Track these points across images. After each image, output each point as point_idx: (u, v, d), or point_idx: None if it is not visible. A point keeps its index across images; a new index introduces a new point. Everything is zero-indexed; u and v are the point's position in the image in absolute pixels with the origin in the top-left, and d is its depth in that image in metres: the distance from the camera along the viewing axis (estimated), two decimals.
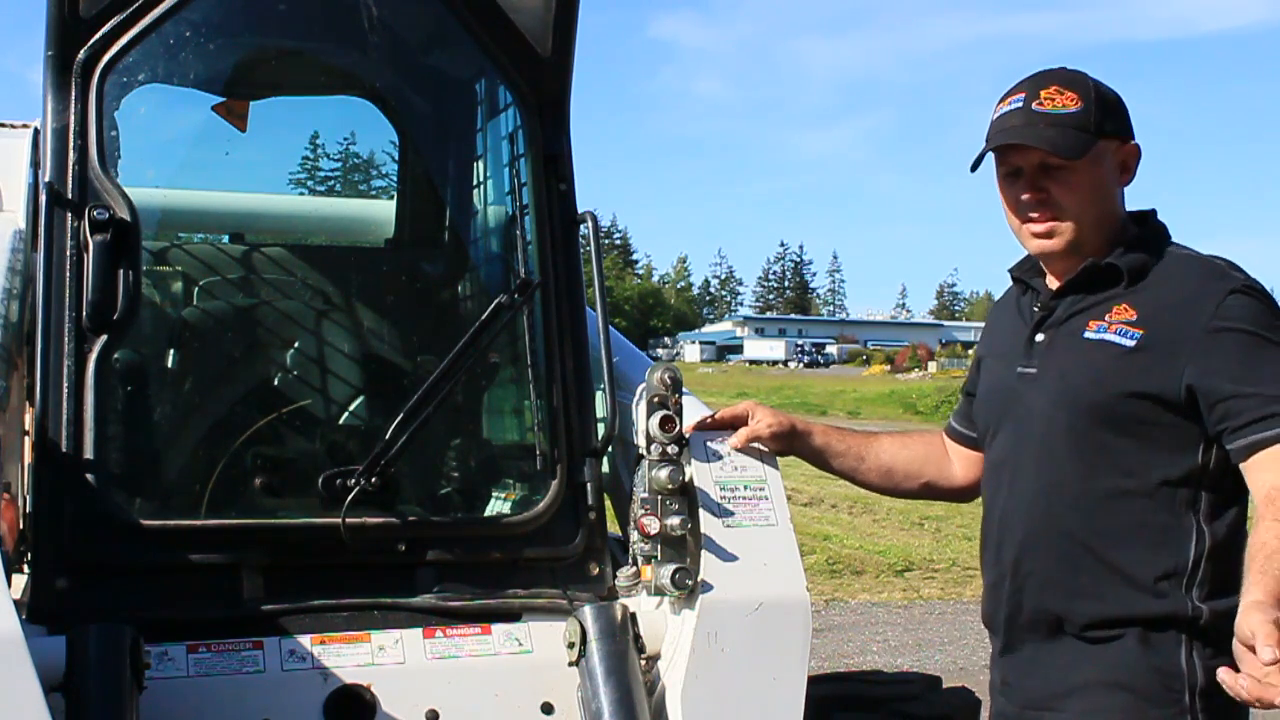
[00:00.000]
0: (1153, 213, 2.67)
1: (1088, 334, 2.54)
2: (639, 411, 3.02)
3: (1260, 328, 2.40)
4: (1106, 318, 2.52)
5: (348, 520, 2.97)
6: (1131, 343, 2.47)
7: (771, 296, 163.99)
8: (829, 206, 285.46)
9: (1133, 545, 2.44)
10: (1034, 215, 2.58)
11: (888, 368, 79.71)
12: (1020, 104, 2.58)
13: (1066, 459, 2.52)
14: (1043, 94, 2.56)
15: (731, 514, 3.00)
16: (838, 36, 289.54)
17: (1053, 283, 2.67)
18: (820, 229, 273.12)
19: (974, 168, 2.63)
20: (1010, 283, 2.87)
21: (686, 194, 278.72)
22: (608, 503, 3.33)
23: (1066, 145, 2.51)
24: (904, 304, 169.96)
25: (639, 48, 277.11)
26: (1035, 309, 2.69)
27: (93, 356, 2.89)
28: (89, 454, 2.85)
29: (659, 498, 2.92)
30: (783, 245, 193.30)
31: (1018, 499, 2.61)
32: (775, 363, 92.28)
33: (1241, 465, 2.37)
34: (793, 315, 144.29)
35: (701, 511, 2.98)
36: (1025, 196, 2.58)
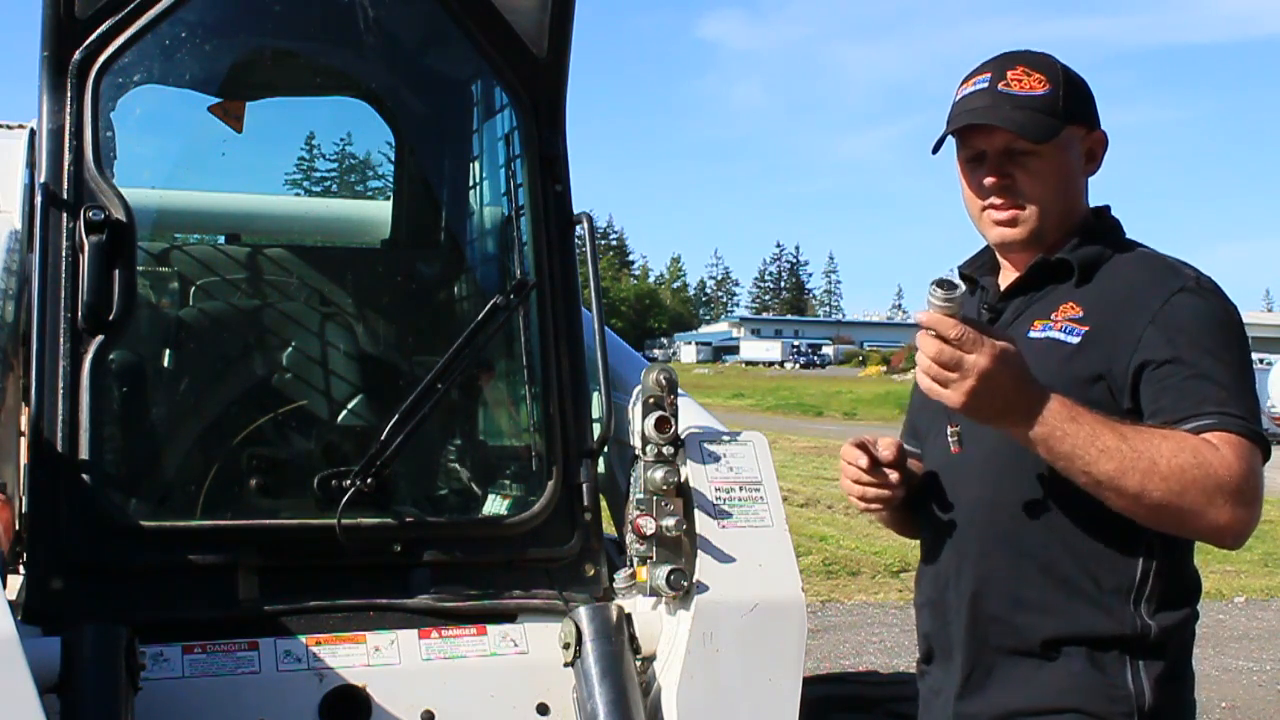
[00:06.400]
0: (1106, 208, 2.52)
1: (1032, 334, 2.37)
2: (634, 412, 3.02)
3: (1200, 332, 2.25)
4: (1052, 316, 2.37)
5: (343, 521, 2.98)
6: (1076, 339, 2.32)
7: (768, 297, 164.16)
8: (843, 210, 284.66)
9: (1081, 557, 2.30)
10: (997, 201, 2.43)
11: (884, 368, 79.65)
12: (985, 84, 2.42)
13: (1012, 468, 2.33)
14: (1009, 75, 2.41)
15: (727, 515, 3.00)
16: (879, 41, 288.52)
17: (1004, 280, 2.53)
18: (827, 231, 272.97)
19: (935, 149, 2.48)
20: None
21: (708, 198, 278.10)
22: (603, 504, 3.33)
23: (1034, 128, 2.36)
24: (900, 304, 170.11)
25: (685, 49, 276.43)
26: (983, 310, 2.52)
27: (88, 357, 2.89)
28: (84, 455, 2.85)
29: (654, 498, 2.92)
30: (779, 246, 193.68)
31: (960, 509, 2.45)
32: (771, 363, 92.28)
33: None
34: (789, 316, 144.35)
35: (697, 512, 2.98)
36: (989, 180, 2.42)
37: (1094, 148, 2.47)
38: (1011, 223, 2.43)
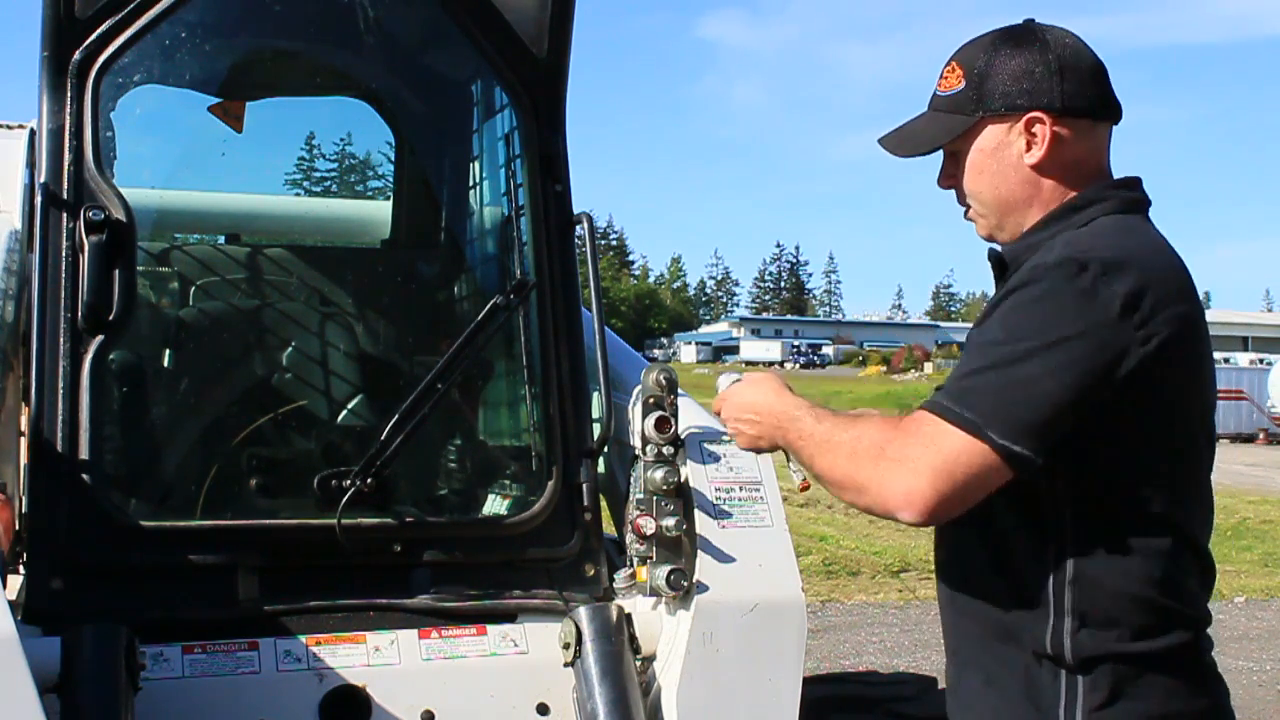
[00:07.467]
0: (1104, 186, 2.28)
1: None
2: (634, 412, 3.02)
3: (1005, 315, 2.09)
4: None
5: (343, 521, 2.97)
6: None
7: (768, 297, 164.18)
8: (843, 210, 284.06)
9: (993, 574, 2.18)
10: (961, 204, 2.37)
11: (884, 368, 79.79)
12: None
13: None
14: (943, 73, 2.32)
15: (727, 515, 3.00)
16: (879, 41, 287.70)
17: None
18: (827, 231, 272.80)
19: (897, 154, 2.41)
20: None
21: (708, 198, 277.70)
22: (603, 504, 3.33)
23: (912, 139, 2.33)
24: (900, 305, 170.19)
25: (685, 49, 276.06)
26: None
27: (88, 357, 2.89)
28: (84, 455, 2.85)
29: (654, 499, 2.92)
30: (779, 246, 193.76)
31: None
32: (771, 364, 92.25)
33: None
34: (789, 316, 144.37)
35: (697, 512, 2.98)
36: (938, 182, 2.37)
37: (1029, 131, 2.24)
38: (974, 221, 2.37)
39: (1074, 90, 2.25)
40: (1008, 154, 2.27)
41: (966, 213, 2.38)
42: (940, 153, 2.37)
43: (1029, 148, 2.25)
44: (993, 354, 2.06)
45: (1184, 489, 2.15)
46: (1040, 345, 2.03)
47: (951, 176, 2.35)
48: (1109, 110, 2.31)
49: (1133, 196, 2.29)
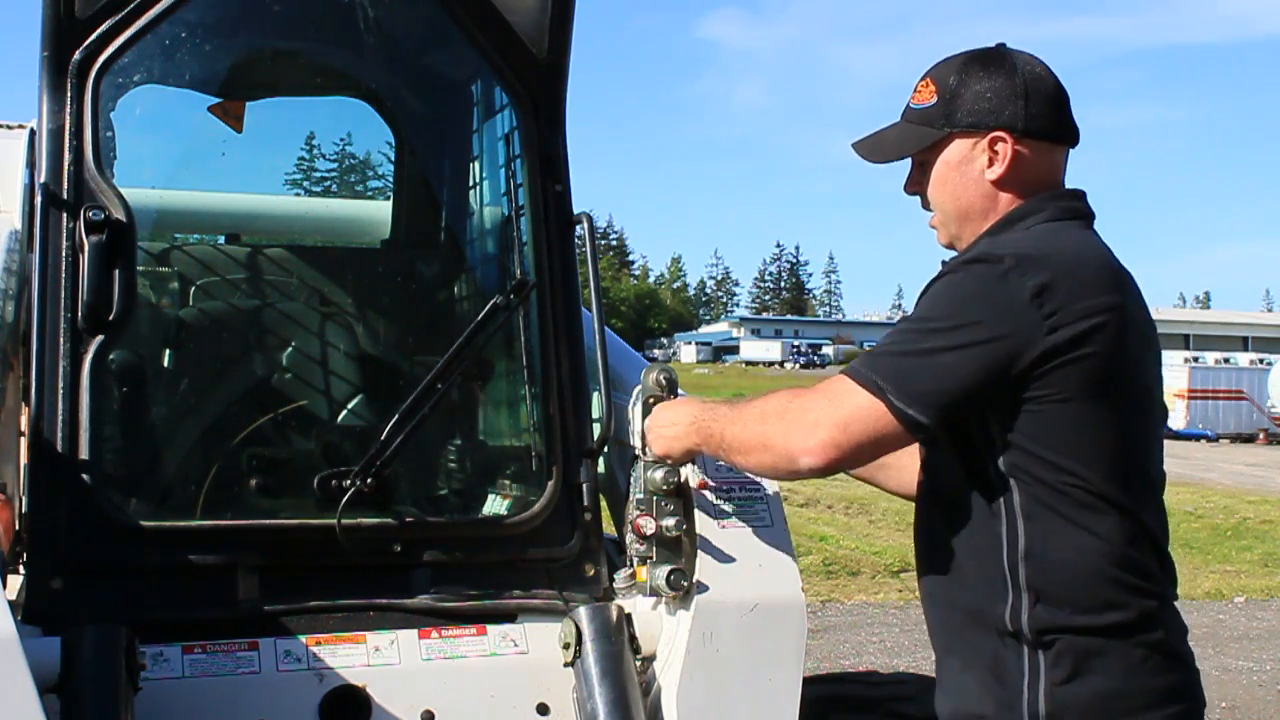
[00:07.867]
0: (1048, 196, 2.40)
1: None
2: (634, 412, 3.02)
3: (920, 306, 2.28)
4: None
5: (343, 521, 2.98)
6: None
7: (768, 297, 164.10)
8: (843, 210, 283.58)
9: (960, 559, 2.33)
10: (925, 209, 2.53)
11: None
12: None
13: (920, 506, 2.51)
14: (916, 86, 2.47)
15: (727, 515, 3.00)
16: (879, 41, 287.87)
17: None
18: (827, 231, 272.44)
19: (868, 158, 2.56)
20: None
21: (708, 198, 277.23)
22: (603, 504, 3.33)
23: (882, 148, 2.49)
24: (900, 305, 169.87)
25: (685, 49, 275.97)
26: None
27: (88, 357, 2.89)
28: (84, 455, 2.85)
29: (654, 499, 2.91)
30: (779, 246, 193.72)
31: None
32: (771, 364, 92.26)
33: None
34: (789, 316, 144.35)
35: (697, 512, 2.98)
36: (904, 188, 2.53)
37: (991, 150, 2.38)
38: (936, 230, 2.52)
39: (1036, 113, 2.39)
40: (970, 168, 2.41)
41: (931, 219, 2.52)
42: (909, 160, 2.51)
43: (991, 164, 2.40)
44: (907, 330, 2.26)
45: (1124, 469, 2.25)
46: (948, 325, 2.20)
47: (917, 184, 2.51)
48: (1067, 134, 2.46)
49: (1070, 206, 2.43)
